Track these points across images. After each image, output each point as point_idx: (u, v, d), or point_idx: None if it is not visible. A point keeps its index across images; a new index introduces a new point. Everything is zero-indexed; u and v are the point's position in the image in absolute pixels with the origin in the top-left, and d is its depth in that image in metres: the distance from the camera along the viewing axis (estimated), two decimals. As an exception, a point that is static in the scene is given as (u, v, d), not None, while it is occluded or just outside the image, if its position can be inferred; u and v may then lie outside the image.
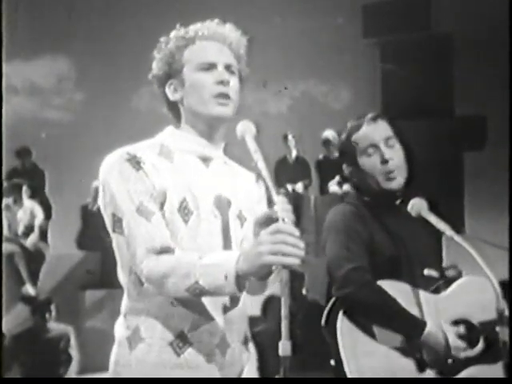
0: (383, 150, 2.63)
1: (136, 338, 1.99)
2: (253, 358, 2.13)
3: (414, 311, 2.51)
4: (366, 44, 10.25)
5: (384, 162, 2.62)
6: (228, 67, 2.06)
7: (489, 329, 2.52)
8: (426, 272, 2.62)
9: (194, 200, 2.01)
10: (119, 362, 2.01)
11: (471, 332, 2.54)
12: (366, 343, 2.49)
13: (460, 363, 2.52)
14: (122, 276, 2.05)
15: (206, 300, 1.98)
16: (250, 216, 2.09)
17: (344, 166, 2.72)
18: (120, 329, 2.04)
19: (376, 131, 2.67)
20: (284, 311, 1.74)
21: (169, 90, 2.09)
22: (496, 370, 2.51)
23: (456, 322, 2.54)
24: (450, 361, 2.50)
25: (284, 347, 1.74)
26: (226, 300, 2.03)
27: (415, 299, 2.53)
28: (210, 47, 2.07)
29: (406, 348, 2.50)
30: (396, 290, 2.52)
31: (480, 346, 2.53)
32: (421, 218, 2.55)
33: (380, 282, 2.53)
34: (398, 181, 2.64)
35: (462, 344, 2.51)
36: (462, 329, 2.54)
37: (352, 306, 2.52)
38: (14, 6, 8.60)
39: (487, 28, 8.09)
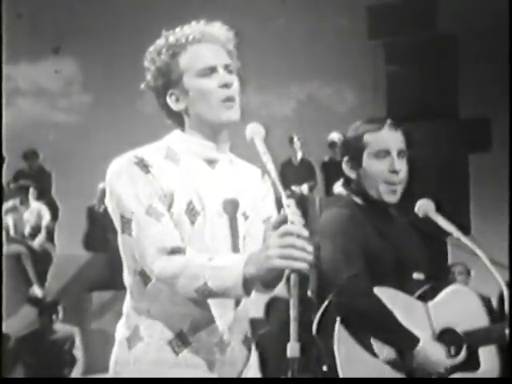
0: (395, 159, 2.57)
1: (135, 338, 2.01)
2: (254, 358, 2.13)
3: (402, 317, 2.49)
4: (370, 46, 10.25)
5: (393, 171, 2.56)
6: (226, 67, 2.04)
7: (471, 338, 2.52)
8: (415, 276, 2.59)
9: (201, 201, 2.02)
10: (118, 361, 2.03)
11: (456, 341, 2.53)
12: (360, 352, 2.47)
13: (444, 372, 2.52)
14: (126, 277, 2.06)
15: (207, 299, 1.99)
16: (252, 214, 2.09)
17: (345, 160, 2.64)
18: (121, 330, 2.06)
19: (394, 139, 2.59)
20: (293, 313, 1.73)
21: (170, 100, 2.06)
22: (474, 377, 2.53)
23: (442, 332, 2.53)
24: (433, 376, 2.49)
25: (292, 349, 1.73)
26: (228, 300, 2.02)
27: (402, 304, 2.50)
28: (205, 50, 2.04)
29: (398, 361, 2.48)
30: (385, 296, 2.49)
31: (462, 354, 2.53)
32: (412, 220, 2.54)
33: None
34: (397, 195, 2.58)
35: (446, 360, 2.50)
36: (447, 340, 2.53)
37: (348, 314, 2.48)
38: (15, 7, 8.61)
39: (493, 30, 8.08)
